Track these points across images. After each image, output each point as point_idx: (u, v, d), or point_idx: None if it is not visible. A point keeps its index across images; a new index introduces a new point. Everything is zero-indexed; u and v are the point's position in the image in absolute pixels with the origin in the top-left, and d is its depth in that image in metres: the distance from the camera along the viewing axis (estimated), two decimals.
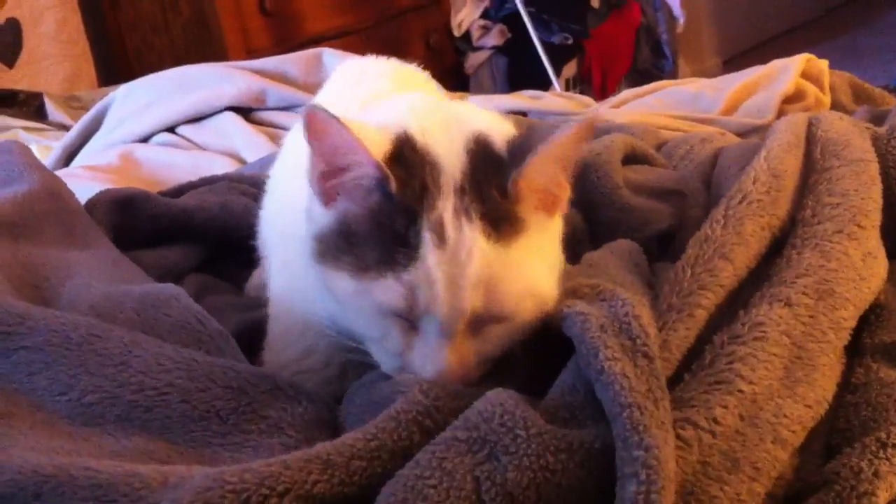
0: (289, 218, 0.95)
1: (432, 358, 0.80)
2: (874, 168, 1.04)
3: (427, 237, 0.78)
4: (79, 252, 1.08)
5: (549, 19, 3.63)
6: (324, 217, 0.83)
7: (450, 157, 0.81)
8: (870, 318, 0.92)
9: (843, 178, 1.01)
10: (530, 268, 0.82)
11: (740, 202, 0.96)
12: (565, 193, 0.86)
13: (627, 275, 0.97)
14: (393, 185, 0.78)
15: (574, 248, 1.11)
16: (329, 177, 0.82)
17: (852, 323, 0.88)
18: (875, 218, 0.98)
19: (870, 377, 0.86)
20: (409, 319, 0.80)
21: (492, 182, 0.81)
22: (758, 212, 0.96)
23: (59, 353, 0.84)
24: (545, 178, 0.83)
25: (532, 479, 0.69)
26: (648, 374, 0.73)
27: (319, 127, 0.78)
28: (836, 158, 1.04)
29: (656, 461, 0.66)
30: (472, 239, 0.78)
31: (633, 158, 1.26)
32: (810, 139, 1.10)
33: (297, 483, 0.68)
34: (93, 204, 1.31)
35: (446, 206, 0.79)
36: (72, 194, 1.21)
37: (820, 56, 1.89)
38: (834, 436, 0.82)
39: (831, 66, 1.88)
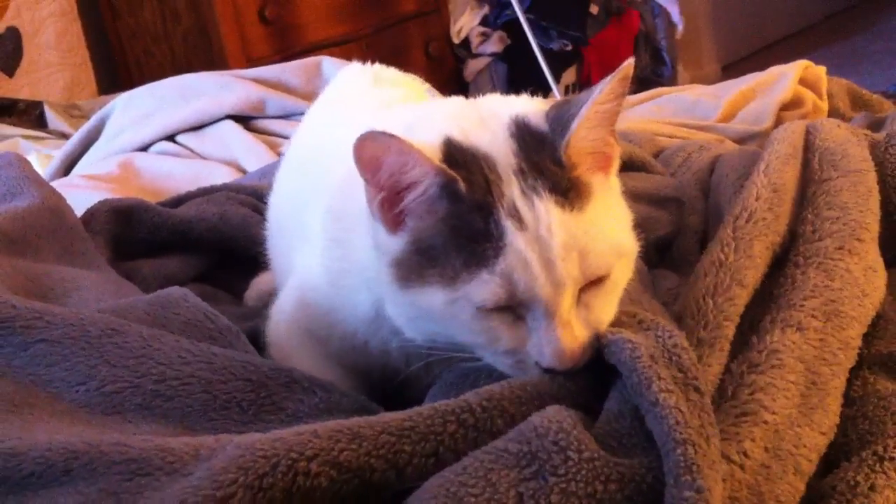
0: (339, 194, 0.94)
1: (547, 341, 0.79)
2: (872, 178, 1.04)
3: (507, 224, 0.77)
4: (80, 270, 1.08)
5: (548, 26, 3.64)
6: (394, 243, 0.82)
7: (498, 147, 0.81)
8: (867, 329, 0.91)
9: (842, 191, 1.01)
10: (608, 226, 0.82)
11: (747, 221, 0.96)
12: (615, 150, 0.86)
13: (651, 299, 0.96)
14: (462, 186, 0.78)
15: None
16: (392, 202, 0.81)
17: (858, 342, 0.87)
18: (874, 230, 0.98)
19: (867, 390, 0.86)
20: (513, 311, 0.79)
21: (545, 156, 0.81)
22: (763, 230, 0.96)
23: (78, 346, 0.85)
24: (593, 139, 0.82)
25: None
26: (700, 410, 0.72)
27: (378, 150, 0.77)
28: (834, 169, 1.05)
29: (706, 503, 0.65)
30: (549, 212, 0.78)
31: (630, 166, 1.27)
32: (808, 148, 1.10)
33: (325, 450, 0.69)
34: (92, 214, 1.32)
35: (513, 191, 0.79)
36: (71, 211, 1.22)
37: (819, 62, 1.89)
38: (832, 449, 0.80)
39: (830, 72, 1.88)
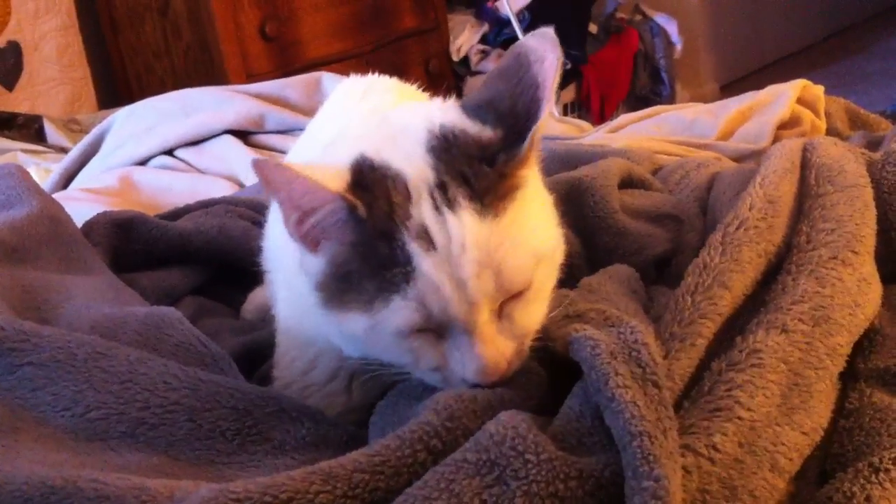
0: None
1: (469, 359, 0.79)
2: (868, 194, 1.05)
3: (414, 247, 0.76)
4: (77, 277, 1.08)
5: None
6: (316, 264, 0.82)
7: (412, 162, 0.79)
8: (863, 343, 0.92)
9: (838, 204, 1.01)
10: (529, 228, 0.80)
11: (737, 229, 0.96)
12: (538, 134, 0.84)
13: (630, 301, 0.97)
14: (362, 211, 0.77)
15: (571, 272, 1.12)
16: (303, 222, 0.79)
17: (848, 349, 0.88)
18: (869, 244, 0.98)
19: (863, 402, 0.86)
20: (433, 331, 0.79)
21: (470, 163, 0.79)
22: (755, 238, 0.96)
23: (64, 370, 0.85)
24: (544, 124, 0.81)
25: None
26: (657, 403, 0.73)
27: (273, 177, 0.76)
28: (830, 184, 1.05)
29: (665, 492, 0.66)
30: (463, 227, 0.76)
31: (629, 183, 1.27)
32: (805, 164, 1.10)
33: (300, 492, 0.69)
34: (91, 226, 1.32)
35: (423, 210, 0.77)
36: (70, 219, 1.22)
37: (817, 82, 1.90)
38: (828, 461, 0.82)
39: (829, 92, 1.89)
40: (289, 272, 0.94)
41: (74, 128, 2.87)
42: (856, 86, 3.98)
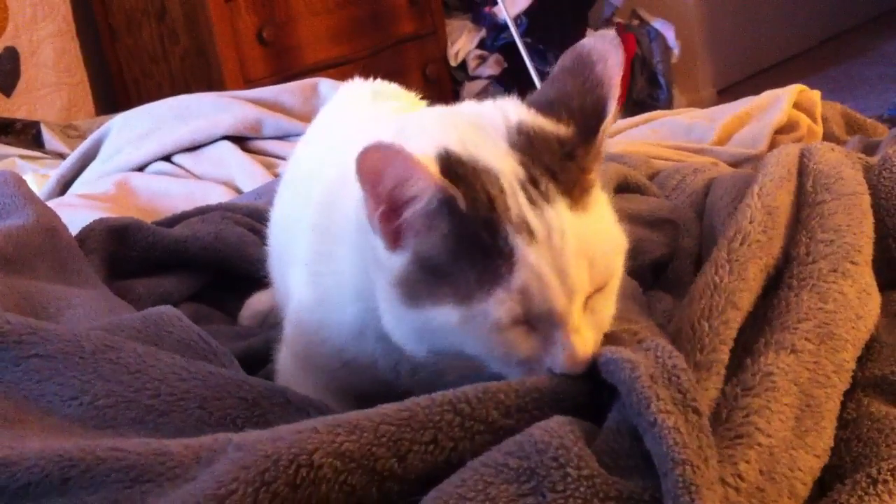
0: (323, 209, 0.95)
1: (563, 349, 0.79)
2: (866, 201, 1.05)
3: (517, 240, 0.77)
4: (73, 288, 1.08)
5: (545, 49, 3.65)
6: (396, 260, 0.81)
7: (499, 158, 0.80)
8: (861, 352, 0.91)
9: (836, 213, 1.01)
10: (608, 221, 0.83)
11: (741, 244, 0.96)
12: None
13: (650, 322, 0.96)
14: (462, 203, 0.76)
15: None
16: (392, 217, 0.79)
17: (853, 364, 0.87)
18: (868, 253, 0.98)
19: (861, 412, 0.86)
20: (526, 322, 0.79)
21: (556, 158, 0.80)
22: (757, 253, 0.96)
23: (72, 361, 0.85)
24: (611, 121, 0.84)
25: None
26: (699, 431, 0.71)
27: (380, 163, 0.76)
28: (827, 192, 1.05)
29: None
30: (561, 218, 0.78)
31: (625, 188, 1.27)
32: (802, 171, 1.10)
33: (326, 442, 0.69)
34: (87, 232, 1.32)
35: (520, 203, 0.78)
36: (66, 229, 1.22)
37: (814, 86, 1.90)
38: (826, 472, 0.80)
39: (826, 97, 1.89)
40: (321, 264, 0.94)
41: (72, 133, 2.87)
42: (852, 90, 3.99)
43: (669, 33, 3.98)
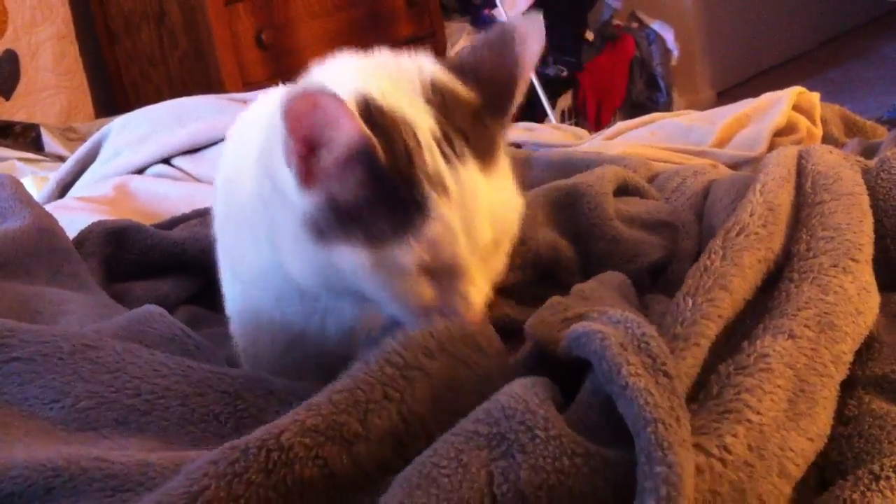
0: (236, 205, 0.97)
1: (462, 299, 0.84)
2: (865, 201, 1.05)
3: (432, 194, 0.80)
4: (69, 292, 1.08)
5: (544, 52, 3.66)
6: (307, 199, 0.83)
7: (416, 111, 0.83)
8: (861, 351, 0.92)
9: (836, 212, 1.01)
10: (511, 185, 0.87)
11: (738, 234, 0.97)
12: None
13: (626, 305, 0.97)
14: (381, 154, 0.79)
15: (563, 278, 1.12)
16: (310, 157, 0.81)
17: (850, 357, 0.88)
18: (868, 251, 0.98)
19: (862, 409, 0.86)
20: (429, 271, 0.83)
21: (468, 120, 0.84)
22: (755, 244, 0.96)
23: (52, 363, 0.85)
24: (519, 98, 0.87)
25: (545, 479, 0.69)
26: (670, 392, 0.73)
27: (305, 105, 0.77)
28: (826, 192, 1.05)
29: (678, 478, 0.66)
30: (472, 181, 0.82)
31: (624, 190, 1.27)
32: (801, 172, 1.10)
33: (291, 422, 0.71)
34: (85, 235, 1.32)
35: (436, 157, 0.81)
36: (63, 232, 1.22)
37: (814, 88, 1.90)
38: (827, 469, 0.81)
39: (825, 99, 1.89)
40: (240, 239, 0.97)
41: (72, 136, 2.87)
42: (852, 92, 3.99)
43: (668, 35, 3.98)
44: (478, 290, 0.85)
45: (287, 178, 0.83)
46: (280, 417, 0.73)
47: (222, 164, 1.04)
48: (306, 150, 0.81)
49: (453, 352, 0.80)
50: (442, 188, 0.80)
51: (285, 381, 0.90)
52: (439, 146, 0.81)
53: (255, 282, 0.97)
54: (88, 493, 0.69)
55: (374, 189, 0.80)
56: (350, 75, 0.86)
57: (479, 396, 0.76)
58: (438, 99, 0.84)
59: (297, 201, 0.83)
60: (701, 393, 0.81)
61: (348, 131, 0.78)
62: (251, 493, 0.68)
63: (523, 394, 0.74)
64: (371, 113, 0.81)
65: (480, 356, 0.82)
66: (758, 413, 0.77)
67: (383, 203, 0.80)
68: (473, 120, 0.84)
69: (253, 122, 0.98)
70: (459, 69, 0.87)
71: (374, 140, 0.79)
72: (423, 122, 0.82)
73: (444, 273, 0.83)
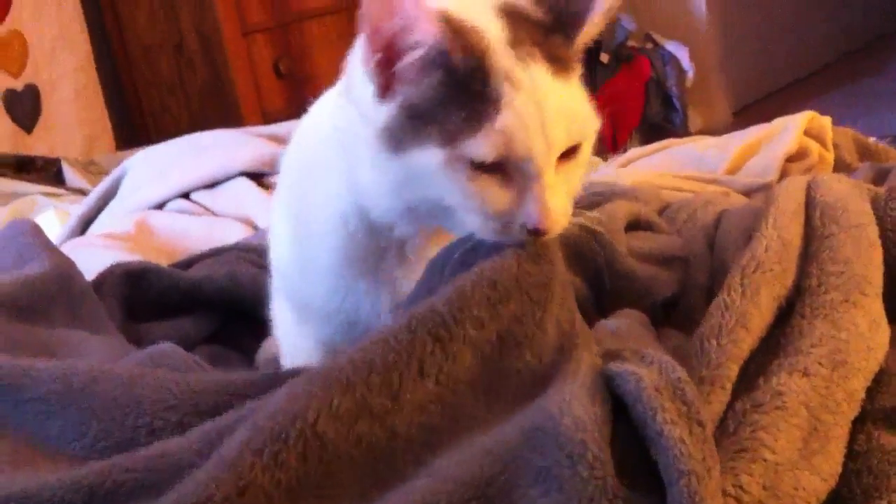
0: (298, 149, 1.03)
1: (537, 201, 0.84)
2: (873, 232, 1.05)
3: (506, 86, 0.82)
4: (86, 334, 1.10)
5: None
6: (384, 111, 0.85)
7: (489, 22, 0.85)
8: (871, 384, 0.92)
9: (845, 245, 1.02)
10: (584, 99, 0.88)
11: (755, 271, 0.98)
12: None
13: (653, 342, 0.98)
14: (458, 54, 0.81)
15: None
16: (388, 64, 0.84)
17: (862, 393, 0.88)
18: (877, 284, 0.99)
19: (871, 444, 0.86)
20: (503, 174, 0.84)
21: (539, 35, 0.85)
22: (771, 281, 0.98)
23: (65, 401, 0.86)
24: (594, 30, 0.89)
25: None
26: (703, 442, 0.74)
27: (388, 6, 0.80)
28: (835, 225, 1.05)
29: None
30: (543, 78, 0.83)
31: (636, 225, 1.27)
32: (809, 203, 1.11)
33: (324, 407, 0.74)
34: (104, 277, 1.34)
35: (508, 58, 0.83)
36: (81, 276, 1.24)
37: (831, 104, 1.91)
38: (836, 503, 0.82)
39: (842, 114, 1.89)
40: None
41: (93, 169, 2.90)
42: (869, 107, 3.96)
43: (683, 56, 3.98)
44: (555, 196, 0.84)
45: (365, 94, 0.86)
46: (315, 381, 0.75)
47: (299, 129, 1.07)
48: (386, 58, 0.83)
49: (506, 318, 0.82)
50: (514, 82, 0.82)
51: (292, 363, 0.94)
52: (510, 47, 0.83)
53: (321, 237, 0.98)
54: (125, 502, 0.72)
55: (450, 89, 0.82)
56: None
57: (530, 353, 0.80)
58: (510, 14, 0.86)
59: (374, 115, 0.86)
60: (718, 430, 0.82)
61: (427, 32, 0.81)
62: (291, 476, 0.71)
63: (591, 425, 0.74)
64: (448, 19, 0.83)
65: (535, 307, 0.84)
66: (773, 452, 0.78)
67: (457, 101, 0.82)
68: (543, 34, 0.86)
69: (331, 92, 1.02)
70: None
71: (453, 41, 0.81)
72: (494, 30, 0.84)
73: (519, 177, 0.84)
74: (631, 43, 4.01)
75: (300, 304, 1.08)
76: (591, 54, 3.80)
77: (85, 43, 3.24)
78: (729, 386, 0.85)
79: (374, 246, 0.96)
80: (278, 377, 0.89)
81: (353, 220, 0.95)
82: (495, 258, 0.85)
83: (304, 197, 1.01)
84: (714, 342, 0.89)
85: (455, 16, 0.84)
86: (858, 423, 0.88)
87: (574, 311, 0.92)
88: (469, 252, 0.88)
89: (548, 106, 0.82)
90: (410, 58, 0.83)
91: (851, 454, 0.85)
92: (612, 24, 3.92)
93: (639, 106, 3.94)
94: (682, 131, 3.98)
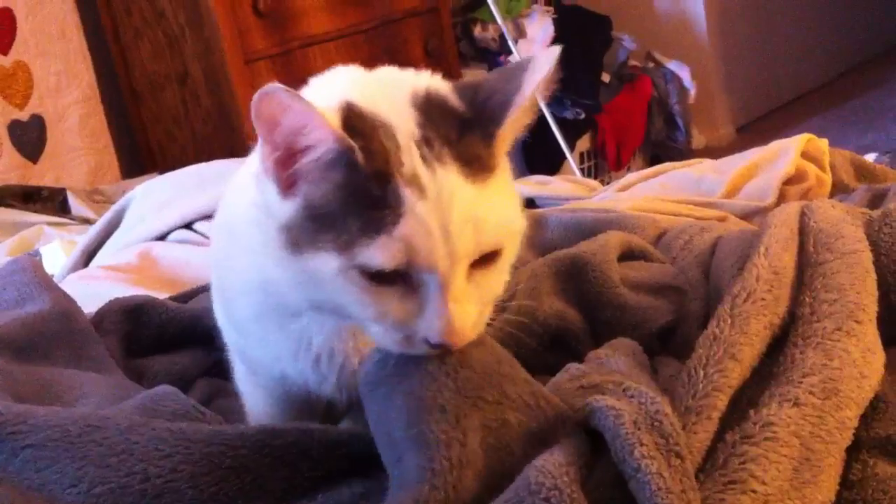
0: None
1: (439, 315, 0.79)
2: (867, 258, 1.05)
3: (407, 192, 0.77)
4: (87, 374, 1.11)
5: (561, 95, 3.68)
6: (286, 207, 0.81)
7: (399, 116, 0.81)
8: (866, 411, 0.92)
9: (838, 273, 1.02)
10: (506, 203, 0.83)
11: (745, 301, 0.98)
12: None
13: (641, 373, 0.99)
14: (359, 155, 0.77)
15: (573, 346, 1.13)
16: (287, 163, 0.79)
17: (855, 422, 0.88)
18: (871, 311, 0.99)
19: (866, 473, 0.87)
20: (405, 284, 0.79)
21: (454, 131, 0.81)
22: (762, 310, 0.97)
23: (62, 448, 0.87)
24: (519, 124, 0.84)
25: None
26: (681, 475, 0.75)
27: (277, 108, 0.76)
28: (829, 252, 1.05)
29: None
30: (450, 183, 0.78)
31: (629, 255, 1.28)
32: (803, 230, 1.11)
33: None
34: (103, 314, 1.34)
35: (414, 158, 0.78)
36: (82, 313, 1.24)
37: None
38: None
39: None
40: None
41: (98, 198, 2.92)
42: (871, 122, 3.97)
43: (685, 74, 4.00)
44: (461, 309, 0.79)
45: (269, 187, 0.81)
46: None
47: (227, 187, 1.03)
48: (285, 155, 0.79)
49: None
50: (418, 188, 0.77)
51: (286, 437, 0.90)
52: (419, 148, 0.79)
53: (240, 296, 0.96)
54: None
55: (349, 192, 0.78)
56: (342, 84, 0.86)
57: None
58: (426, 106, 0.82)
59: (278, 210, 0.81)
60: (708, 462, 0.82)
61: (323, 134, 0.77)
62: None
63: (554, 470, 0.74)
64: (352, 116, 0.79)
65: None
66: (763, 483, 0.78)
67: (357, 205, 0.77)
68: (461, 130, 0.81)
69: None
70: (461, 86, 0.86)
71: (351, 142, 0.77)
72: (404, 125, 0.80)
73: (422, 288, 0.79)
74: (633, 62, 4.03)
75: (241, 355, 1.07)
76: (593, 75, 3.81)
77: (89, 73, 3.26)
78: (716, 416, 0.85)
79: (288, 315, 0.93)
80: (266, 431, 0.90)
81: (266, 295, 0.91)
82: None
83: (227, 259, 0.98)
84: (701, 372, 0.89)
85: (363, 109, 0.80)
86: (854, 452, 0.88)
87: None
88: (380, 365, 0.85)
89: (455, 214, 0.77)
90: (307, 158, 0.78)
91: (847, 483, 0.85)
92: (614, 45, 3.94)
93: (641, 125, 3.95)
94: (685, 149, 3.99)
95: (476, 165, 0.80)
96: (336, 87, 0.84)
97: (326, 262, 0.78)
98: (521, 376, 0.87)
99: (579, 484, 0.75)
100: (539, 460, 0.76)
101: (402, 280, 0.79)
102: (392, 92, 0.84)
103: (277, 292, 0.87)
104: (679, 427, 0.80)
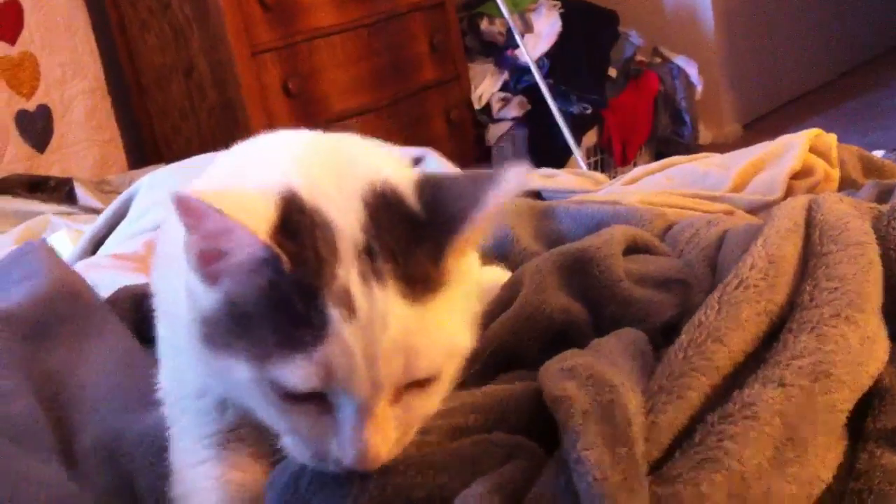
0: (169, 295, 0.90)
1: (354, 441, 0.73)
2: (873, 250, 1.05)
3: (335, 312, 0.70)
4: (91, 342, 1.10)
5: (567, 90, 3.68)
6: (208, 297, 0.74)
7: (345, 215, 0.74)
8: (873, 403, 0.92)
9: (841, 263, 1.02)
10: (450, 323, 0.76)
11: (736, 288, 0.98)
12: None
13: (628, 360, 0.98)
14: (285, 264, 0.70)
15: (578, 340, 1.13)
16: (210, 259, 0.73)
17: (848, 406, 0.88)
18: (875, 302, 0.98)
19: (872, 464, 0.87)
20: (321, 401, 0.73)
21: (403, 240, 0.74)
22: (754, 297, 0.97)
23: None
24: (479, 234, 0.78)
25: None
26: (626, 463, 0.74)
27: (194, 215, 0.69)
28: (834, 244, 1.05)
29: None
30: (386, 304, 0.71)
31: (634, 249, 1.27)
32: (809, 223, 1.11)
33: None
34: (113, 301, 1.34)
35: (350, 273, 0.71)
36: (90, 290, 1.25)
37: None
38: None
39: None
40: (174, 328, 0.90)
41: (105, 188, 2.93)
42: (876, 119, 3.96)
43: (692, 70, 3.99)
44: (380, 436, 0.73)
45: (190, 272, 0.75)
46: None
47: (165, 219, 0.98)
48: (210, 248, 0.72)
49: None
50: (348, 308, 0.70)
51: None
52: (359, 261, 0.72)
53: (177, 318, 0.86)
54: None
55: (271, 300, 0.71)
56: (288, 162, 0.79)
57: None
58: (378, 205, 0.75)
59: (201, 297, 0.75)
60: (685, 442, 0.82)
61: (246, 241, 0.70)
62: None
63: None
64: (291, 211, 0.73)
65: None
66: (738, 461, 0.78)
67: (278, 317, 0.71)
68: (411, 238, 0.75)
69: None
70: (423, 182, 0.79)
71: (278, 250, 0.70)
72: (348, 229, 0.73)
73: (341, 407, 0.73)
74: (639, 58, 4.02)
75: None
76: (599, 70, 3.81)
77: (96, 65, 3.26)
78: (692, 395, 0.85)
79: None
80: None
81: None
82: None
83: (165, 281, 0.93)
84: (680, 354, 0.90)
85: (304, 203, 0.73)
86: (861, 443, 0.89)
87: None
88: (290, 487, 0.79)
89: (385, 341, 0.71)
90: (232, 260, 0.72)
91: (854, 474, 0.86)
92: (621, 40, 3.94)
93: (648, 121, 3.95)
94: (692, 145, 3.99)
95: (420, 286, 0.74)
96: (282, 165, 0.78)
97: (239, 370, 0.73)
98: (448, 424, 0.84)
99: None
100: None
101: (318, 398, 0.73)
102: (343, 183, 0.76)
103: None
104: (636, 415, 0.80)
